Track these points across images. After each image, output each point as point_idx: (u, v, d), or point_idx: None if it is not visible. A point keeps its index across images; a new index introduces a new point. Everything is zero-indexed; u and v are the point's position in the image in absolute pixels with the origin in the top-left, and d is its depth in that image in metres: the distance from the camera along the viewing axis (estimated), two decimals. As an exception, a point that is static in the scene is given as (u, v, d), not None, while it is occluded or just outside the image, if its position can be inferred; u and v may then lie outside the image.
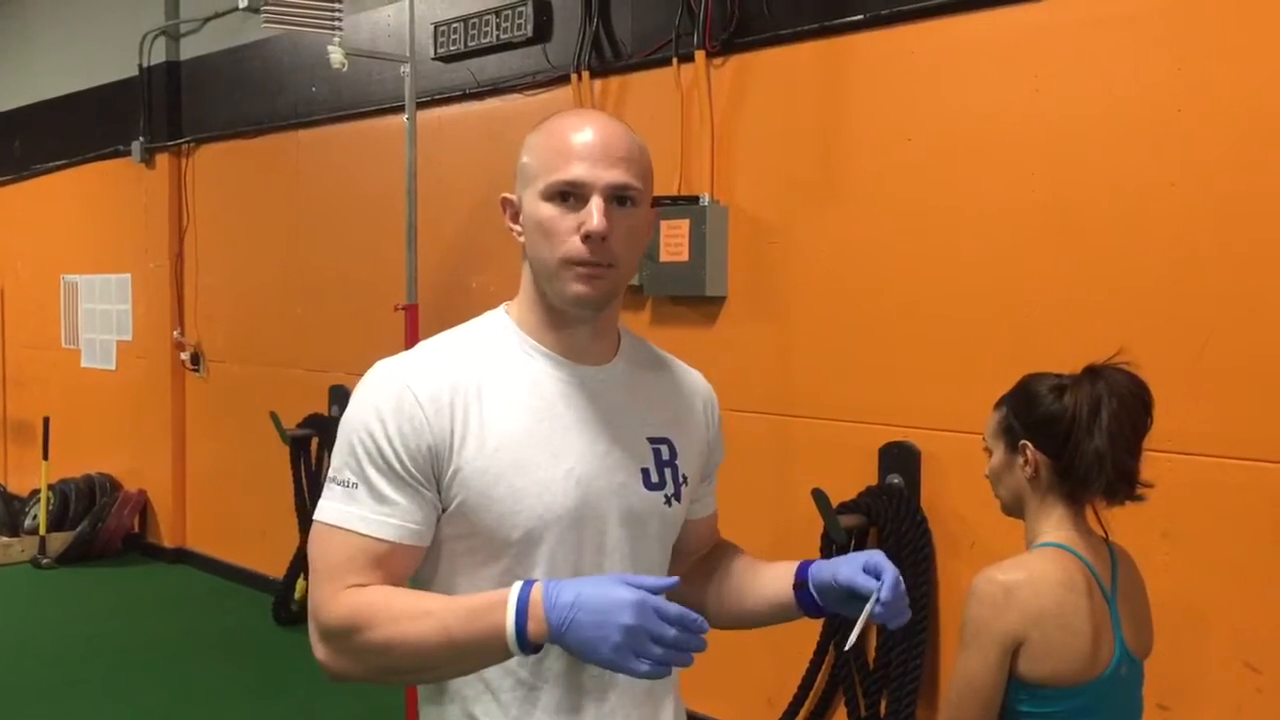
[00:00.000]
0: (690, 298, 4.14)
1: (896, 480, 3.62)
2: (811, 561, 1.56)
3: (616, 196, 1.43)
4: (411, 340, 4.31)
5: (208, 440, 6.84)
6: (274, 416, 5.65)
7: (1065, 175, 3.27)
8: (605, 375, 1.53)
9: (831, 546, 3.63)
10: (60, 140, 7.77)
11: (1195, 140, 3.02)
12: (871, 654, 3.65)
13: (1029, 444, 1.84)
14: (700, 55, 4.09)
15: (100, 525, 7.04)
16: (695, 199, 4.09)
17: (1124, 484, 1.79)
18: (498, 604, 1.30)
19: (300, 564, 5.76)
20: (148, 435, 7.09)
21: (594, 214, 1.40)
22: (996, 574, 1.78)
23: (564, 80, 4.58)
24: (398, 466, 1.40)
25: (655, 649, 1.25)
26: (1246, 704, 2.97)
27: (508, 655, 1.31)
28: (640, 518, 1.51)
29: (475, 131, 5.04)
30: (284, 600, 5.79)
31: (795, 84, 3.90)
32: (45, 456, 7.12)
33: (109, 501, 7.13)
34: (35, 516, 7.14)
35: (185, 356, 6.86)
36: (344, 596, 1.38)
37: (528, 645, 1.29)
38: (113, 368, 7.46)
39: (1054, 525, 1.83)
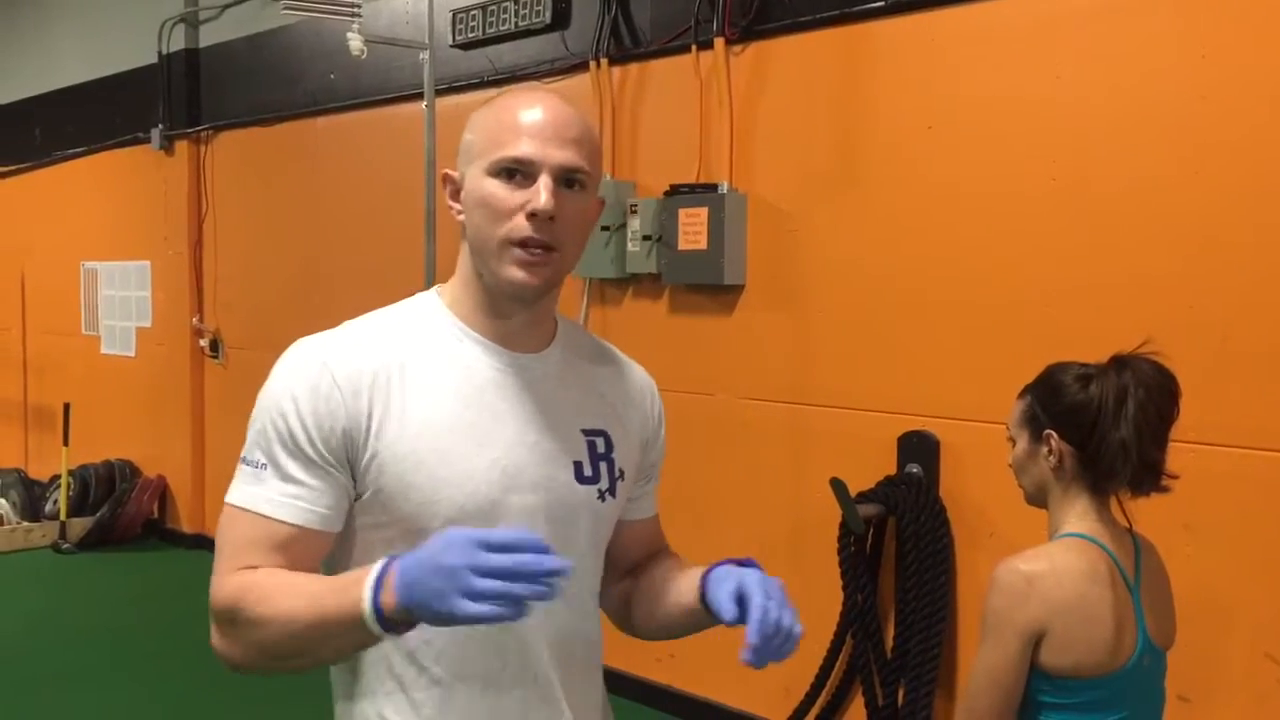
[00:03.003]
0: (708, 286, 4.13)
1: (915, 470, 3.61)
2: (716, 566, 1.43)
3: (565, 179, 1.37)
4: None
5: (226, 427, 6.87)
6: (292, 403, 5.66)
7: (1087, 163, 3.24)
8: (539, 363, 1.46)
9: (850, 536, 3.62)
10: (80, 128, 7.80)
11: (1219, 128, 3.00)
12: (889, 644, 3.64)
13: (1054, 434, 1.82)
14: (720, 42, 4.07)
15: (120, 511, 7.08)
16: (714, 187, 4.07)
17: (1149, 475, 1.78)
18: (362, 577, 1.22)
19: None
20: (167, 421, 7.13)
21: (542, 192, 1.34)
22: (1019, 564, 1.77)
23: (583, 67, 4.57)
24: (308, 449, 1.34)
25: (485, 583, 1.12)
26: (1269, 696, 2.95)
27: (372, 634, 1.21)
28: (570, 512, 1.44)
29: (493, 119, 5.03)
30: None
31: (815, 71, 3.88)
32: (65, 442, 7.16)
33: (129, 487, 7.17)
34: (56, 502, 7.18)
35: (204, 343, 6.89)
36: (233, 577, 1.33)
37: (383, 618, 1.19)
38: (132, 354, 7.50)
39: (1078, 516, 1.82)
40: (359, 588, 1.20)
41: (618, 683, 4.49)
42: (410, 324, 1.44)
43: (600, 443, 1.48)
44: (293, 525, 1.34)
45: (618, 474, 1.50)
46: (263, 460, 1.36)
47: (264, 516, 1.34)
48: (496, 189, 1.36)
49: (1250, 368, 2.95)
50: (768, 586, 1.33)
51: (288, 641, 1.28)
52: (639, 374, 1.62)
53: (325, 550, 1.39)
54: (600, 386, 1.53)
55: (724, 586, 1.35)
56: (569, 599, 1.43)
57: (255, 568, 1.33)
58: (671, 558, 1.63)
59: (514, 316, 1.43)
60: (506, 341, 1.44)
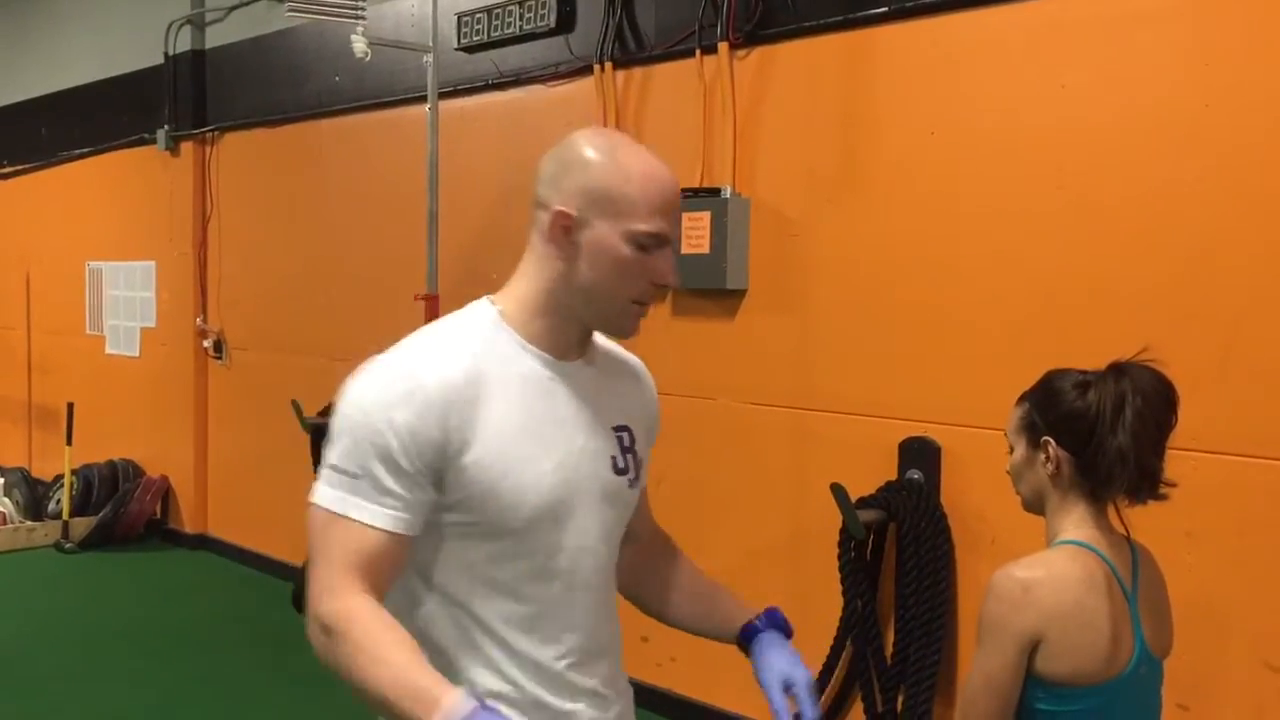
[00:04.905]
0: (710, 290, 4.13)
1: (916, 476, 3.61)
2: (759, 624, 1.76)
3: None
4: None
5: (229, 427, 6.88)
6: (295, 405, 5.67)
7: (1090, 170, 3.24)
8: (578, 370, 1.62)
9: (850, 542, 3.62)
10: (86, 127, 7.82)
11: (1222, 136, 3.00)
12: (889, 650, 3.64)
13: (1051, 441, 1.81)
14: (724, 47, 4.08)
15: (123, 511, 7.09)
16: (717, 191, 4.08)
17: (1147, 483, 1.77)
18: (442, 694, 1.33)
19: (320, 552, 5.77)
20: (170, 422, 7.14)
21: (673, 269, 1.55)
22: (1015, 571, 1.76)
23: (587, 71, 4.57)
24: (404, 462, 1.46)
25: None
26: (1268, 705, 2.95)
27: None
28: (611, 502, 1.64)
29: (497, 122, 5.05)
30: (303, 587, 5.80)
31: (819, 76, 3.89)
32: (69, 442, 7.17)
33: (131, 487, 7.18)
34: (59, 501, 7.20)
35: (208, 344, 6.90)
36: (342, 598, 1.45)
37: None
38: (136, 354, 7.51)
39: (1075, 523, 1.81)
40: (432, 706, 1.32)
41: None
42: (478, 338, 1.56)
43: (626, 437, 1.66)
44: (388, 533, 1.47)
45: (640, 462, 1.69)
46: (358, 471, 1.47)
47: (361, 524, 1.46)
48: (634, 255, 1.52)
49: (1252, 377, 2.95)
50: (810, 692, 1.68)
51: (358, 689, 1.41)
52: (639, 364, 1.80)
53: (408, 551, 1.52)
54: (620, 385, 1.71)
55: (769, 673, 1.69)
56: (605, 578, 1.66)
57: (361, 581, 1.45)
58: (678, 550, 1.88)
59: (574, 336, 1.60)
60: (560, 353, 1.60)
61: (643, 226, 1.51)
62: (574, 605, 1.60)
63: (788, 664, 1.70)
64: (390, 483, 1.46)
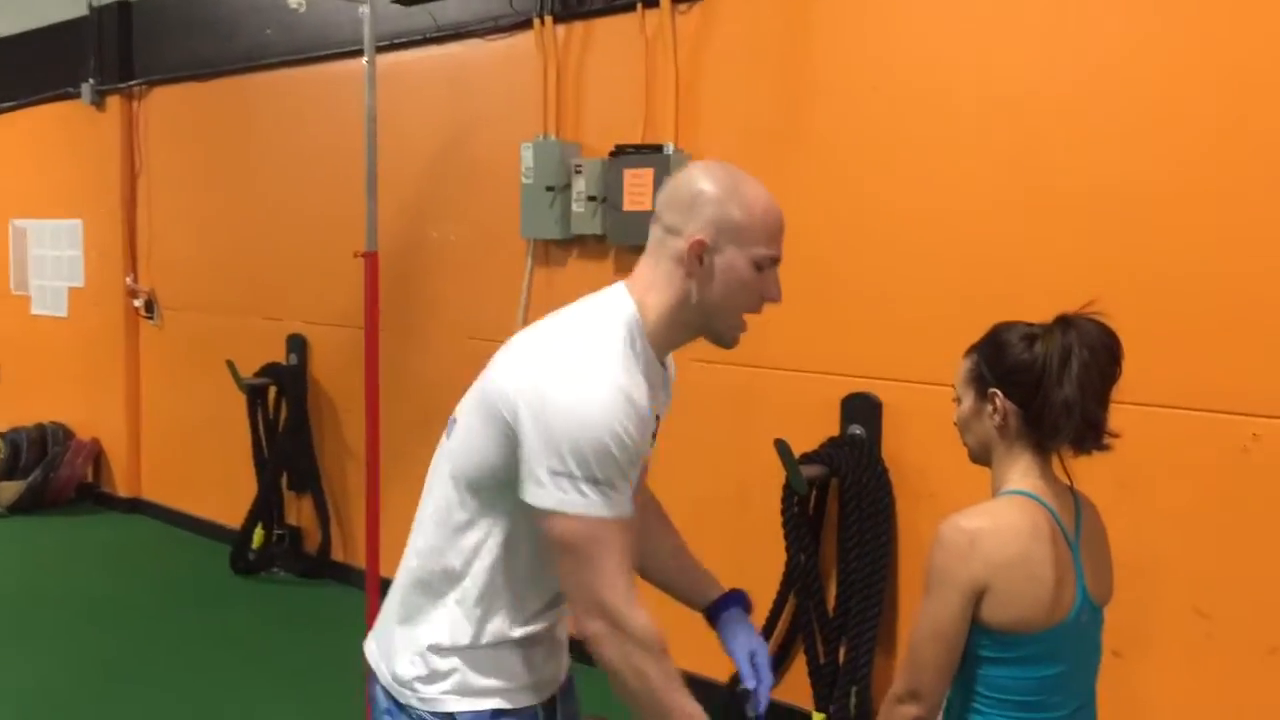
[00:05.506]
0: (654, 247, 4.11)
1: (858, 431, 3.64)
2: (727, 602, 2.09)
3: None
4: (372, 289, 4.24)
5: (163, 389, 6.76)
6: (230, 365, 5.59)
7: (1032, 126, 3.27)
8: (662, 368, 1.84)
9: (793, 497, 3.65)
10: (7, 81, 7.57)
11: (1163, 94, 3.03)
12: (831, 603, 3.68)
13: (998, 392, 1.83)
14: (665, 1, 4.04)
15: (53, 474, 6.96)
16: (659, 148, 4.05)
17: (1092, 434, 1.80)
18: None
19: (257, 512, 5.71)
20: (101, 384, 6.99)
21: (779, 288, 1.79)
22: (962, 521, 1.79)
23: (526, 25, 4.51)
24: (632, 464, 1.68)
25: None
26: (1197, 649, 3.03)
27: None
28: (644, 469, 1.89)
29: (436, 77, 4.97)
30: (241, 549, 5.76)
31: (761, 31, 3.87)
32: (-5, 405, 7.01)
33: (61, 450, 7.04)
34: (-14, 465, 7.04)
35: (139, 304, 6.75)
36: (643, 609, 1.70)
37: None
38: (64, 315, 7.34)
39: (1020, 473, 1.84)
40: None
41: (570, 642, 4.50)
42: (629, 339, 1.74)
43: (657, 423, 1.85)
44: (631, 519, 1.70)
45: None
46: (613, 478, 1.65)
47: (624, 519, 1.68)
48: (754, 277, 1.76)
49: (1183, 329, 3.01)
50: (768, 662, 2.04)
51: (645, 698, 1.75)
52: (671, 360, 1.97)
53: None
54: (668, 378, 1.92)
55: (740, 647, 2.05)
56: None
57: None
58: (664, 512, 2.18)
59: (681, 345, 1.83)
60: (661, 358, 1.82)
61: (764, 251, 1.75)
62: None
63: (752, 639, 2.04)
64: (623, 483, 1.67)
